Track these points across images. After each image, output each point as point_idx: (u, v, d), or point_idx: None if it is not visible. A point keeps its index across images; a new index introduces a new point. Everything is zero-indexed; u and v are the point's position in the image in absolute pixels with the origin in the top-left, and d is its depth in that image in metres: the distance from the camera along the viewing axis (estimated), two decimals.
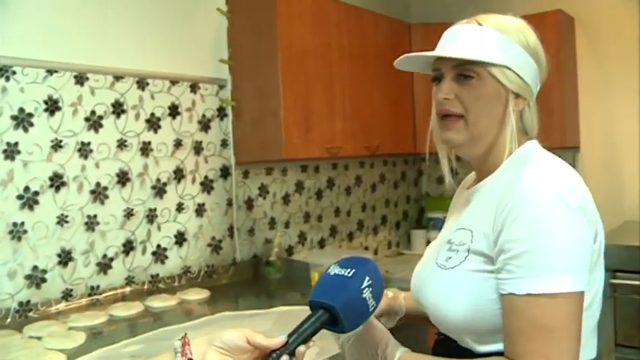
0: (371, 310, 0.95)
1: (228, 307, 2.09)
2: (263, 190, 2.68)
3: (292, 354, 0.83)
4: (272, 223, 2.71)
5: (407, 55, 1.11)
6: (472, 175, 1.24)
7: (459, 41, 1.07)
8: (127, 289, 2.16)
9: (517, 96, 1.06)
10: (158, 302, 2.11)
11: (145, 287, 2.21)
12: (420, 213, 3.74)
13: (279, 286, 2.51)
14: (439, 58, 1.09)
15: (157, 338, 1.74)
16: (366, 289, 0.93)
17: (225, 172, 2.51)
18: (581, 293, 0.93)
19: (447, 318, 1.04)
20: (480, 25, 1.07)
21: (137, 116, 2.20)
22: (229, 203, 2.52)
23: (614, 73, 2.94)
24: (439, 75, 1.10)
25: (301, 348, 0.85)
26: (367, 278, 0.93)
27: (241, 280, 2.52)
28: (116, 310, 2.01)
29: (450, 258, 1.06)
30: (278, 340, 0.83)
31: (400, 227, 3.56)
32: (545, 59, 1.10)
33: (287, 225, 2.79)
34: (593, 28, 2.95)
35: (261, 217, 2.67)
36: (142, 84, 2.21)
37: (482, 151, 1.09)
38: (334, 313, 0.89)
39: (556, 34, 2.76)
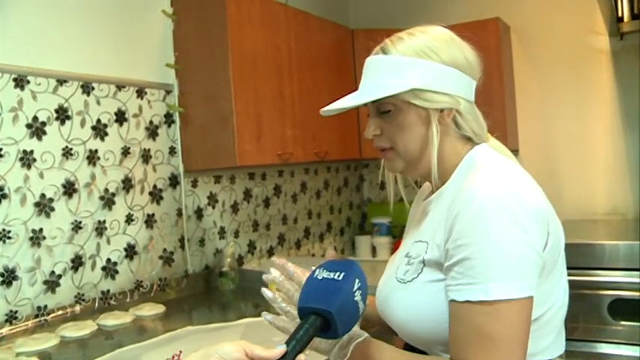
0: (361, 312, 0.93)
1: (184, 321, 2.00)
2: (212, 199, 2.59)
3: None
4: (222, 232, 2.63)
5: (327, 108, 1.12)
6: (427, 184, 1.25)
7: (368, 79, 1.09)
8: (77, 307, 2.01)
9: (441, 110, 1.06)
10: (111, 320, 1.98)
11: (96, 305, 2.07)
12: (363, 219, 3.76)
13: (234, 297, 2.43)
14: None
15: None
16: (357, 291, 0.91)
17: (174, 181, 2.41)
18: (526, 299, 0.92)
19: (413, 332, 1.05)
20: (385, 54, 1.07)
21: (83, 123, 2.06)
22: (179, 213, 2.42)
23: (548, 78, 3.09)
24: (368, 111, 1.13)
25: (301, 356, 0.82)
26: (357, 280, 0.92)
27: (194, 293, 2.42)
28: (67, 331, 1.86)
29: (407, 272, 1.06)
30: (278, 350, 0.80)
31: (344, 233, 3.56)
32: (474, 56, 1.10)
33: (237, 234, 2.71)
34: (528, 35, 3.09)
35: (211, 226, 2.58)
36: (87, 88, 2.08)
37: (425, 169, 1.10)
38: (328, 318, 0.86)
39: (496, 40, 2.87)
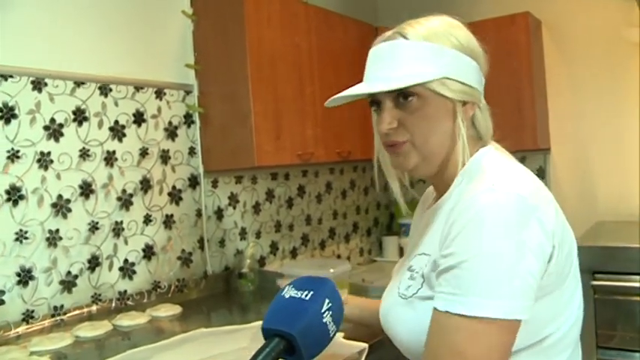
0: (331, 335, 0.86)
1: (201, 322, 1.98)
2: (233, 200, 2.58)
3: None
4: (243, 233, 2.62)
5: (336, 97, 1.05)
6: (431, 190, 1.18)
7: (388, 64, 0.98)
8: (94, 307, 2.02)
9: (464, 103, 0.99)
10: (127, 320, 1.99)
11: (113, 305, 2.08)
12: (391, 219, 3.70)
13: (253, 299, 2.41)
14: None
15: None
16: (327, 312, 0.84)
17: (193, 182, 2.40)
18: (511, 322, 0.83)
19: (413, 348, 0.98)
20: (405, 38, 0.98)
21: (100, 124, 2.08)
22: (199, 214, 2.42)
23: (582, 75, 2.96)
24: (376, 100, 1.02)
25: None
26: (327, 301, 0.85)
27: (213, 294, 2.41)
28: (82, 331, 1.86)
29: (409, 287, 1.00)
30: None
31: (371, 234, 3.51)
32: (482, 49, 1.03)
33: (258, 235, 2.69)
34: (561, 30, 2.97)
35: (232, 227, 2.57)
36: (104, 90, 2.09)
37: (437, 169, 1.02)
38: (292, 341, 0.80)
39: (526, 36, 2.77)
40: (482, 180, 0.92)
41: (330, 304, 0.85)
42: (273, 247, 2.78)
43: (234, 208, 2.58)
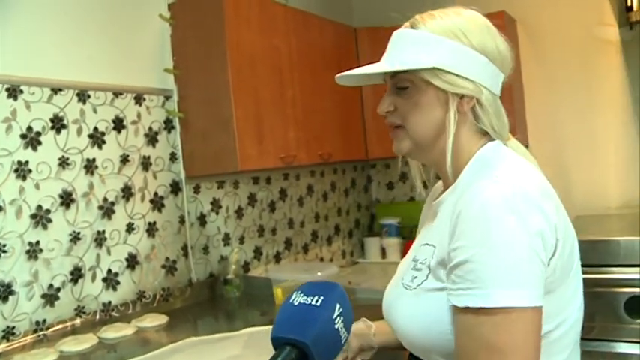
0: (343, 342, 0.84)
1: (189, 331, 1.94)
2: (215, 205, 2.54)
3: None
4: (226, 239, 2.58)
5: (342, 74, 1.08)
6: (439, 183, 1.19)
7: (392, 51, 1.04)
8: (77, 320, 1.96)
9: (461, 96, 0.99)
10: (113, 332, 1.93)
11: (97, 317, 2.02)
12: (372, 220, 3.70)
13: (239, 305, 2.38)
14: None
15: None
16: (338, 318, 0.82)
17: (175, 188, 2.36)
18: (532, 309, 0.84)
19: (416, 341, 0.99)
20: (412, 28, 1.02)
21: (79, 131, 2.02)
22: (181, 220, 2.37)
23: (556, 72, 3.01)
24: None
25: None
26: (338, 306, 0.82)
27: (198, 302, 2.37)
28: (67, 346, 1.80)
29: (415, 277, 1.00)
30: None
31: (353, 236, 3.50)
32: (507, 48, 1.04)
33: (242, 240, 2.66)
34: (534, 29, 3.01)
35: (215, 233, 2.53)
36: (82, 96, 2.04)
37: (433, 157, 1.05)
38: (304, 349, 0.77)
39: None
40: (486, 173, 0.93)
41: (341, 309, 0.82)
42: (257, 252, 2.75)
43: (217, 213, 2.54)
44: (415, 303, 0.98)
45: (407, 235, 3.35)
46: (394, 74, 1.03)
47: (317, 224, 3.19)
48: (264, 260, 2.78)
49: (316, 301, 0.81)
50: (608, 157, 2.89)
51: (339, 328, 0.82)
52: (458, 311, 0.87)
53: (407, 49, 1.01)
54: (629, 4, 2.65)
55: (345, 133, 2.93)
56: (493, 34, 1.02)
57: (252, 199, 2.74)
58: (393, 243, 3.30)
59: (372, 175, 3.73)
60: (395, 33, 1.05)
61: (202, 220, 2.47)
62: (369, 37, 3.06)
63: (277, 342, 0.79)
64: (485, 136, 1.04)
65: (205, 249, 2.47)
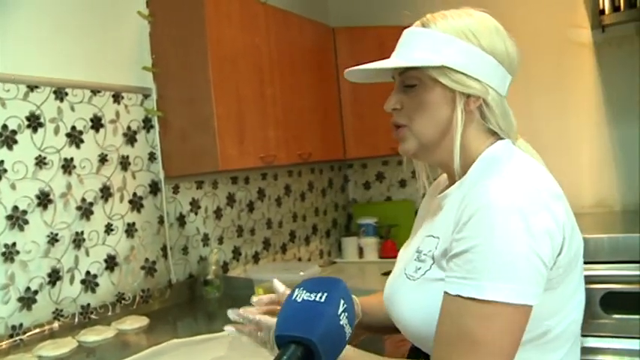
0: (347, 338, 0.83)
1: (170, 333, 1.91)
2: (194, 205, 2.51)
3: None
4: (205, 239, 2.55)
5: (351, 69, 1.07)
6: (443, 178, 1.20)
7: (401, 49, 1.05)
8: (55, 324, 1.91)
9: (468, 96, 1.00)
10: (93, 336, 1.89)
11: (76, 320, 1.97)
12: (349, 220, 3.71)
13: (220, 306, 2.35)
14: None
15: None
16: (342, 314, 0.80)
17: (154, 188, 2.32)
18: (522, 307, 0.85)
19: (418, 330, 0.99)
20: (423, 27, 1.03)
21: (56, 130, 1.97)
22: (161, 221, 2.33)
23: (529, 74, 3.05)
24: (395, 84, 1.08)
25: None
26: (342, 302, 0.81)
27: (178, 303, 2.33)
28: (45, 350, 1.75)
29: (418, 268, 1.00)
30: None
31: (330, 235, 3.50)
32: (515, 51, 1.04)
33: (220, 240, 2.63)
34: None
35: (194, 233, 2.50)
36: (60, 94, 1.98)
37: (439, 157, 1.05)
38: (310, 347, 0.76)
39: None
40: (495, 170, 0.94)
41: (345, 305, 0.81)
42: (236, 253, 2.72)
43: (196, 214, 2.51)
44: (418, 293, 0.99)
45: (384, 234, 3.37)
46: (402, 72, 1.03)
47: (295, 224, 3.17)
48: (243, 261, 2.75)
49: (320, 298, 0.80)
50: (582, 157, 2.94)
51: (344, 325, 0.81)
52: (448, 297, 0.89)
53: (417, 47, 1.01)
54: (601, 7, 2.71)
55: (324, 132, 2.92)
56: (503, 36, 1.03)
57: (230, 199, 2.71)
58: (370, 242, 3.31)
59: (348, 175, 3.74)
60: (406, 31, 1.06)
61: (181, 220, 2.43)
62: (347, 36, 3.06)
63: (282, 340, 0.78)
64: (494, 135, 1.05)
65: (185, 250, 2.43)
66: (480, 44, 0.99)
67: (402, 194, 3.55)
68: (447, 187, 1.09)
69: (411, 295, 1.00)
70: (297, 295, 0.82)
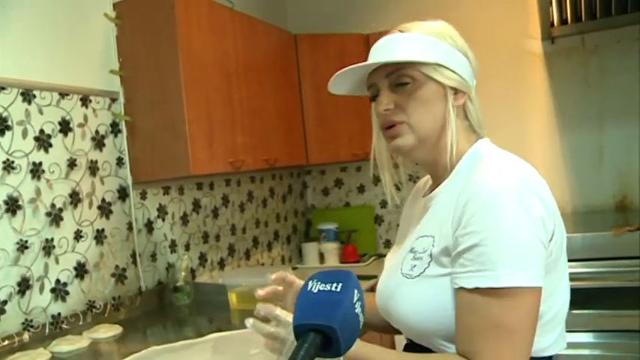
0: (361, 326, 0.86)
1: (144, 342, 1.88)
2: (162, 211, 2.47)
3: None
4: (173, 245, 2.51)
5: (338, 73, 1.09)
6: (424, 181, 1.26)
7: (385, 51, 1.07)
8: (26, 335, 1.83)
9: (456, 91, 1.07)
10: (66, 346, 1.82)
11: (47, 330, 1.90)
12: (308, 226, 3.73)
13: (190, 313, 2.32)
14: (371, 74, 1.10)
15: None
16: (357, 303, 0.84)
17: (122, 194, 2.27)
18: (536, 289, 0.92)
19: (418, 326, 1.03)
20: (402, 32, 1.08)
21: (24, 133, 1.90)
22: (129, 227, 2.28)
23: (484, 82, 3.16)
24: (375, 90, 1.10)
25: None
26: (356, 291, 0.84)
27: (149, 311, 2.29)
28: None
29: (415, 266, 1.04)
30: None
31: (291, 241, 3.51)
32: (475, 59, 1.13)
33: (187, 247, 2.60)
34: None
35: (162, 240, 2.45)
36: (27, 96, 1.92)
37: (431, 154, 1.10)
38: (329, 334, 0.78)
39: None
40: (487, 165, 1.00)
41: (358, 295, 0.84)
42: (202, 259, 2.69)
43: (164, 220, 2.47)
44: (417, 290, 1.02)
45: (345, 239, 3.41)
46: (391, 72, 1.06)
47: (257, 230, 3.17)
48: (209, 267, 2.73)
49: (336, 288, 0.82)
50: (534, 162, 2.98)
51: (359, 313, 0.84)
52: (465, 292, 0.93)
53: (405, 48, 1.05)
54: (551, 19, 2.87)
55: (288, 138, 2.94)
56: (466, 43, 1.12)
57: (196, 205, 2.69)
58: (331, 248, 3.34)
59: (307, 181, 3.76)
60: (386, 37, 1.09)
61: (149, 226, 2.39)
62: (309, 43, 3.10)
63: (301, 329, 0.80)
64: (474, 133, 1.12)
65: (153, 256, 2.39)
66: (457, 46, 1.08)
67: (361, 200, 3.60)
68: (432, 189, 1.14)
69: (411, 292, 1.03)
70: (312, 287, 0.84)
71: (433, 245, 1.02)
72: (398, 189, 1.22)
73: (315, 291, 0.83)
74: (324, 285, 0.83)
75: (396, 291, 1.07)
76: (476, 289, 0.91)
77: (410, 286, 1.03)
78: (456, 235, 0.96)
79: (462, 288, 0.93)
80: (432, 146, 1.08)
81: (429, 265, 1.01)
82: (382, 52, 1.08)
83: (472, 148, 1.08)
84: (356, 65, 1.07)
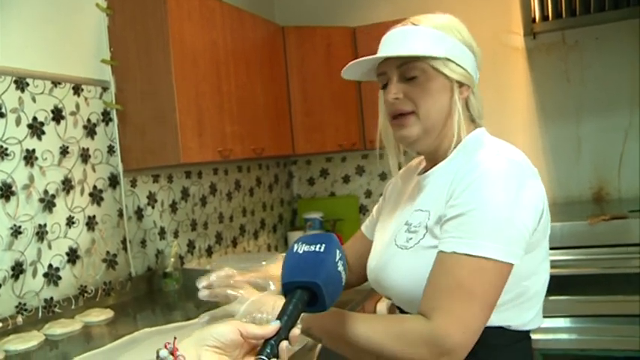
0: (344, 283, 0.94)
1: (135, 325, 1.93)
2: (151, 199, 2.51)
3: (286, 338, 0.79)
4: (162, 233, 2.56)
5: (353, 62, 1.14)
6: (418, 161, 1.31)
7: (398, 43, 1.12)
8: (19, 318, 1.87)
9: (461, 85, 1.13)
10: (59, 328, 1.87)
11: (40, 314, 1.94)
12: (294, 215, 3.79)
13: (179, 298, 2.37)
14: (383, 62, 1.14)
15: None
16: (339, 261, 0.91)
17: (113, 181, 2.31)
18: (508, 265, 0.98)
19: (411, 293, 1.08)
20: (415, 25, 1.13)
21: (18, 120, 1.93)
22: (120, 214, 2.33)
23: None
24: (385, 79, 1.15)
25: (295, 331, 0.81)
26: (338, 252, 0.92)
27: (139, 296, 2.34)
28: (11, 344, 1.72)
29: (410, 238, 1.10)
30: (272, 327, 0.78)
31: (277, 230, 3.57)
32: (479, 52, 1.19)
33: (176, 234, 2.65)
34: None
35: (152, 227, 2.50)
36: (20, 84, 1.95)
37: (434, 144, 1.15)
38: (315, 290, 0.86)
39: None
40: (485, 149, 1.08)
41: (340, 254, 0.92)
42: (190, 246, 2.74)
43: (153, 207, 2.52)
44: (412, 260, 1.08)
45: (329, 228, 3.48)
46: (402, 64, 1.11)
47: (244, 218, 3.22)
48: (197, 254, 2.78)
49: (319, 248, 0.90)
50: None
51: (341, 271, 0.91)
52: (442, 255, 1.00)
53: (417, 42, 1.10)
54: (533, 15, 2.94)
55: (275, 128, 2.99)
56: (472, 37, 1.17)
57: (185, 193, 2.73)
58: None
59: (293, 171, 3.82)
60: (396, 30, 1.14)
61: (139, 213, 2.43)
62: (296, 35, 3.14)
63: (288, 287, 0.86)
64: (473, 122, 1.18)
65: (143, 243, 2.43)
66: (464, 39, 1.14)
67: (346, 190, 3.67)
68: (426, 169, 1.20)
69: (405, 262, 1.09)
70: (297, 249, 0.92)
71: (429, 218, 1.08)
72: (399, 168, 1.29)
73: (301, 252, 0.90)
74: (308, 246, 0.91)
75: (390, 261, 1.13)
76: (453, 253, 0.98)
77: (404, 256, 1.10)
78: (447, 206, 1.03)
79: (441, 251, 1.01)
80: (435, 137, 1.14)
81: (424, 236, 1.08)
82: (395, 43, 1.13)
83: (471, 135, 1.14)
84: (371, 57, 1.12)
